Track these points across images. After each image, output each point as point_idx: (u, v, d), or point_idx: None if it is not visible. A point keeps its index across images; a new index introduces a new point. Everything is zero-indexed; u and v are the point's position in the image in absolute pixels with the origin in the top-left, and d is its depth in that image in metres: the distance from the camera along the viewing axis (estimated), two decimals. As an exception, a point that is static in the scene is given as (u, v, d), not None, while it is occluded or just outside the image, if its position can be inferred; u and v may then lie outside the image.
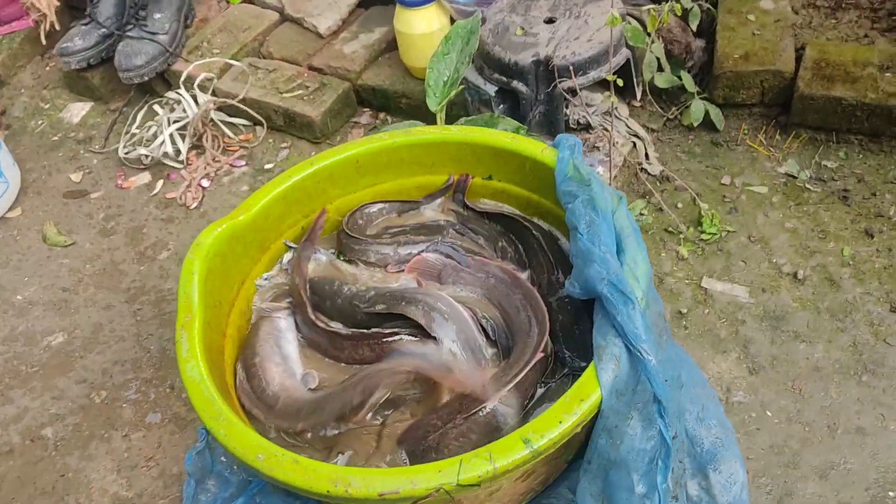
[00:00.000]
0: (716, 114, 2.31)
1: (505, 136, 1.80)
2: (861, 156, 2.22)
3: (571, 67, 2.09)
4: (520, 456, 1.26)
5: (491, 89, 2.22)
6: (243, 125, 2.72)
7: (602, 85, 2.21)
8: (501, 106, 2.25)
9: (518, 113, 2.23)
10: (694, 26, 2.35)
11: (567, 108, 2.22)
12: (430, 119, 2.19)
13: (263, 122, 2.66)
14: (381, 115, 2.65)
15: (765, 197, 2.18)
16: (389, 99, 2.60)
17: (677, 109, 2.40)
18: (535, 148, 1.75)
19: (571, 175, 1.64)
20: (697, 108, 2.29)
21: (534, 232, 1.70)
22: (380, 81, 2.60)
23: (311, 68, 2.72)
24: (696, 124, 2.31)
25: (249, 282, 1.78)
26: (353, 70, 2.64)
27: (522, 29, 2.21)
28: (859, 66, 2.16)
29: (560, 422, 1.32)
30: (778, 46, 2.26)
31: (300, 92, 2.61)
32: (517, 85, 2.16)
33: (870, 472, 1.62)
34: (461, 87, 2.09)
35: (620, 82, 1.89)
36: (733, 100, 2.31)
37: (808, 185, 2.18)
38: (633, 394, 1.41)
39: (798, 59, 2.23)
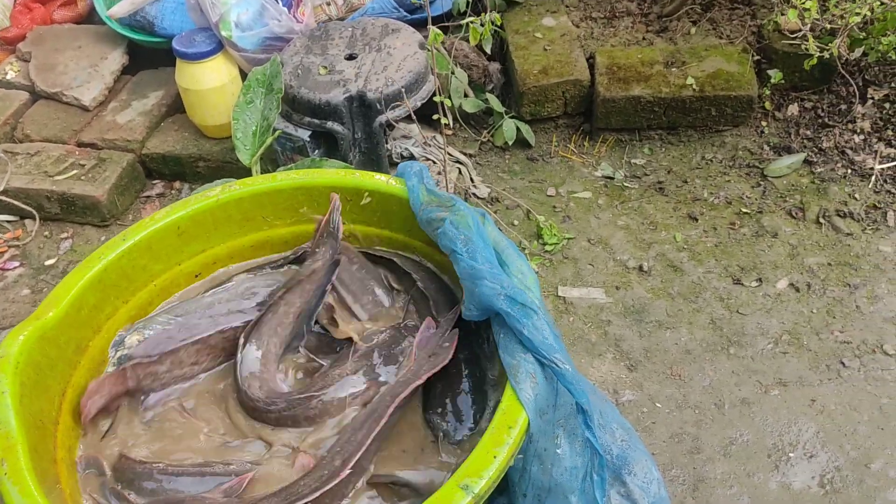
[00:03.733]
0: (526, 130, 2.34)
1: (344, 173, 1.66)
2: (664, 149, 2.34)
3: (384, 100, 2.01)
4: (463, 504, 1.12)
5: (304, 134, 2.07)
6: (7, 221, 2.32)
7: (410, 119, 2.15)
8: (317, 151, 2.11)
9: (337, 155, 2.09)
10: (488, 49, 2.38)
11: (387, 143, 2.12)
12: (239, 178, 1.99)
13: (34, 212, 2.28)
14: (177, 184, 2.38)
15: (591, 201, 2.22)
16: (184, 165, 2.35)
17: (488, 132, 2.40)
18: (379, 180, 1.62)
19: (428, 201, 1.54)
20: (509, 128, 2.30)
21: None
22: (169, 147, 2.35)
23: (81, 145, 2.39)
24: (510, 143, 2.32)
25: (71, 391, 1.45)
26: (134, 140, 2.36)
27: (325, 68, 2.09)
28: (647, 65, 2.30)
29: (494, 456, 1.18)
30: (570, 58, 2.35)
31: (75, 172, 2.27)
32: (332, 125, 2.03)
33: (766, 439, 1.65)
34: (276, 132, 1.92)
35: (449, 102, 1.83)
36: (539, 114, 2.36)
37: (625, 184, 2.26)
38: (554, 410, 1.31)
39: (591, 67, 2.33)
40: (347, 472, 1.22)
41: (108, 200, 2.23)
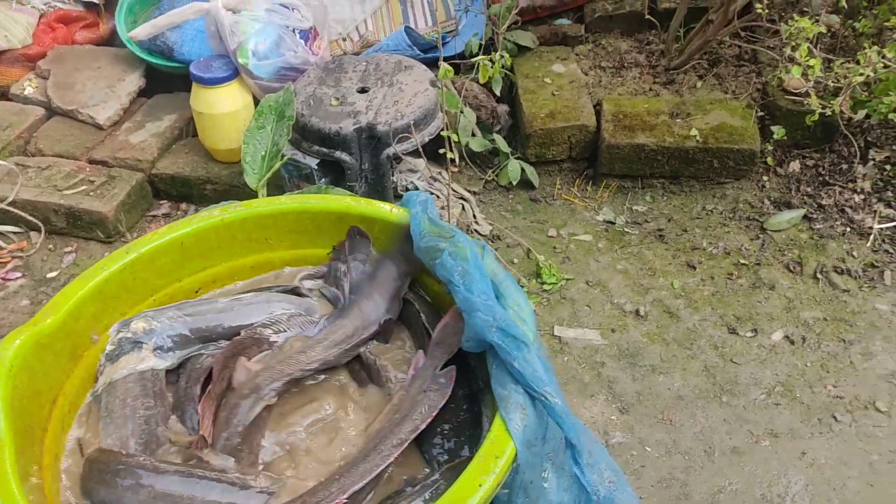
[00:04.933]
0: (531, 171, 2.37)
1: (348, 199, 1.69)
2: (665, 198, 2.37)
3: (393, 133, 2.04)
4: (445, 533, 1.11)
5: (312, 162, 2.10)
6: (13, 232, 2.34)
7: (418, 153, 2.18)
8: (323, 179, 2.14)
9: (343, 184, 2.13)
10: (497, 91, 2.43)
11: (393, 175, 2.16)
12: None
13: (41, 225, 2.30)
14: (183, 206, 2.41)
15: (591, 244, 2.24)
16: (192, 186, 2.38)
17: (493, 172, 2.43)
18: (383, 209, 1.65)
19: (429, 230, 1.55)
20: (514, 168, 2.34)
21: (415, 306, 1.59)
22: (178, 169, 2.38)
23: (92, 162, 2.43)
24: (514, 183, 2.35)
25: (63, 399, 1.46)
26: (145, 160, 2.40)
27: (337, 99, 2.13)
28: (653, 115, 2.34)
29: (480, 484, 1.18)
30: (578, 104, 2.39)
31: (84, 187, 2.30)
32: (341, 155, 2.07)
33: (755, 489, 1.64)
34: (284, 158, 1.96)
35: (456, 138, 1.87)
36: (545, 157, 2.40)
37: (626, 230, 2.28)
38: (543, 443, 1.31)
39: (598, 114, 2.37)
40: (343, 499, 1.22)
41: (115, 217, 2.26)
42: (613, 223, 2.30)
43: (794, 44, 1.97)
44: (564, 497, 1.31)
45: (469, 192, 2.35)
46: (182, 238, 1.62)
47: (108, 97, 2.58)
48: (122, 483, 1.29)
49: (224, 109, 2.26)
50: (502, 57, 1.69)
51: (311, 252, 1.73)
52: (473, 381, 1.49)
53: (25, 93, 2.67)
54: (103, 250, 2.29)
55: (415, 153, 2.17)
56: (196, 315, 1.58)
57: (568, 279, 2.13)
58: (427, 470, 1.37)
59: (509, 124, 2.51)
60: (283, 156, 1.93)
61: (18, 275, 2.23)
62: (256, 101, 2.36)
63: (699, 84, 2.52)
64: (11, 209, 2.26)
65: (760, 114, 2.38)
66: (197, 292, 1.68)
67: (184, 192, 2.41)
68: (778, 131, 2.28)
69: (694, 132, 2.27)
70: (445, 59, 2.50)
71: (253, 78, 2.26)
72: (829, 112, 2.00)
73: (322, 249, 1.72)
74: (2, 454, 1.20)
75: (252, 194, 1.99)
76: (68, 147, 2.47)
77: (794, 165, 2.38)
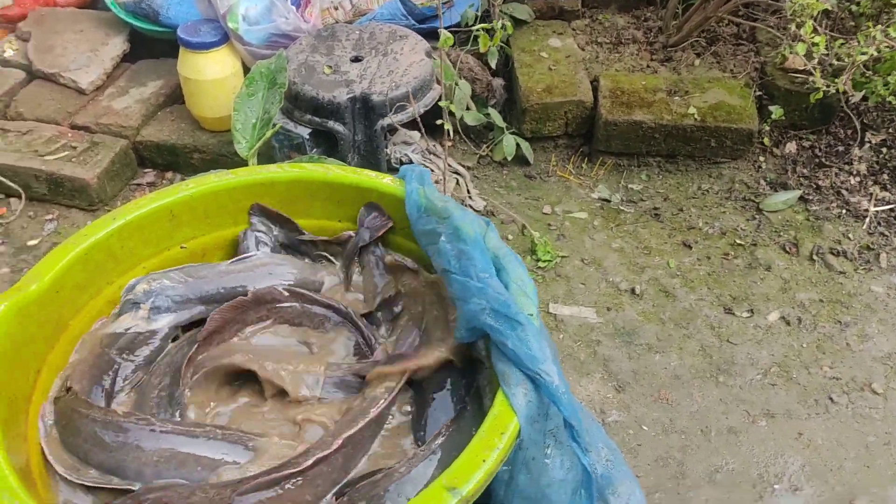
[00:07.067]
0: (526, 147, 2.33)
1: (343, 168, 1.64)
2: (661, 177, 2.34)
3: (388, 103, 1.99)
4: (448, 509, 1.08)
5: (304, 131, 2.04)
6: (-8, 199, 2.27)
7: (412, 125, 2.13)
8: (315, 150, 2.09)
9: (336, 155, 2.07)
10: (493, 64, 2.39)
11: (387, 147, 2.11)
12: (234, 170, 1.96)
13: (21, 191, 2.23)
14: (169, 174, 2.35)
15: (586, 222, 2.21)
16: (178, 155, 2.31)
17: (487, 147, 2.39)
18: (378, 179, 1.60)
19: (427, 207, 1.51)
20: (509, 143, 2.30)
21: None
22: (164, 137, 2.31)
23: (74, 127, 2.35)
24: (509, 158, 2.31)
25: (46, 370, 1.41)
26: (129, 126, 2.32)
27: (330, 67, 2.08)
28: (651, 92, 2.30)
29: (483, 460, 1.15)
30: (575, 79, 2.35)
31: (66, 153, 2.23)
32: (334, 125, 2.01)
33: (751, 469, 1.63)
34: (276, 126, 1.90)
35: (453, 108, 1.82)
36: (540, 132, 2.35)
37: (621, 208, 2.25)
38: (545, 419, 1.28)
39: (595, 90, 2.33)
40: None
41: (98, 185, 2.19)
42: (609, 201, 2.27)
43: (798, 21, 1.94)
44: (568, 475, 1.28)
45: (463, 167, 2.31)
46: (171, 206, 1.56)
47: (90, 61, 2.49)
48: (106, 439, 1.24)
49: (212, 76, 2.19)
50: (504, 27, 1.63)
51: (302, 222, 1.68)
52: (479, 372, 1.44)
53: (5, 55, 2.58)
54: (86, 218, 2.23)
55: (410, 125, 2.12)
56: (198, 277, 1.54)
57: (563, 256, 2.10)
58: (417, 450, 1.33)
59: (504, 98, 2.46)
60: (274, 124, 1.87)
61: (-3, 242, 2.16)
62: (246, 69, 2.29)
63: (697, 62, 2.49)
64: (-10, 174, 2.19)
65: (758, 94, 2.36)
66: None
67: (170, 161, 2.34)
68: (776, 111, 2.25)
69: (692, 110, 2.24)
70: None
71: (243, 44, 2.20)
72: (833, 90, 1.98)
73: (314, 220, 1.67)
74: (-15, 424, 1.15)
75: (241, 163, 1.93)
76: (49, 111, 2.39)
77: (791, 146, 2.37)
